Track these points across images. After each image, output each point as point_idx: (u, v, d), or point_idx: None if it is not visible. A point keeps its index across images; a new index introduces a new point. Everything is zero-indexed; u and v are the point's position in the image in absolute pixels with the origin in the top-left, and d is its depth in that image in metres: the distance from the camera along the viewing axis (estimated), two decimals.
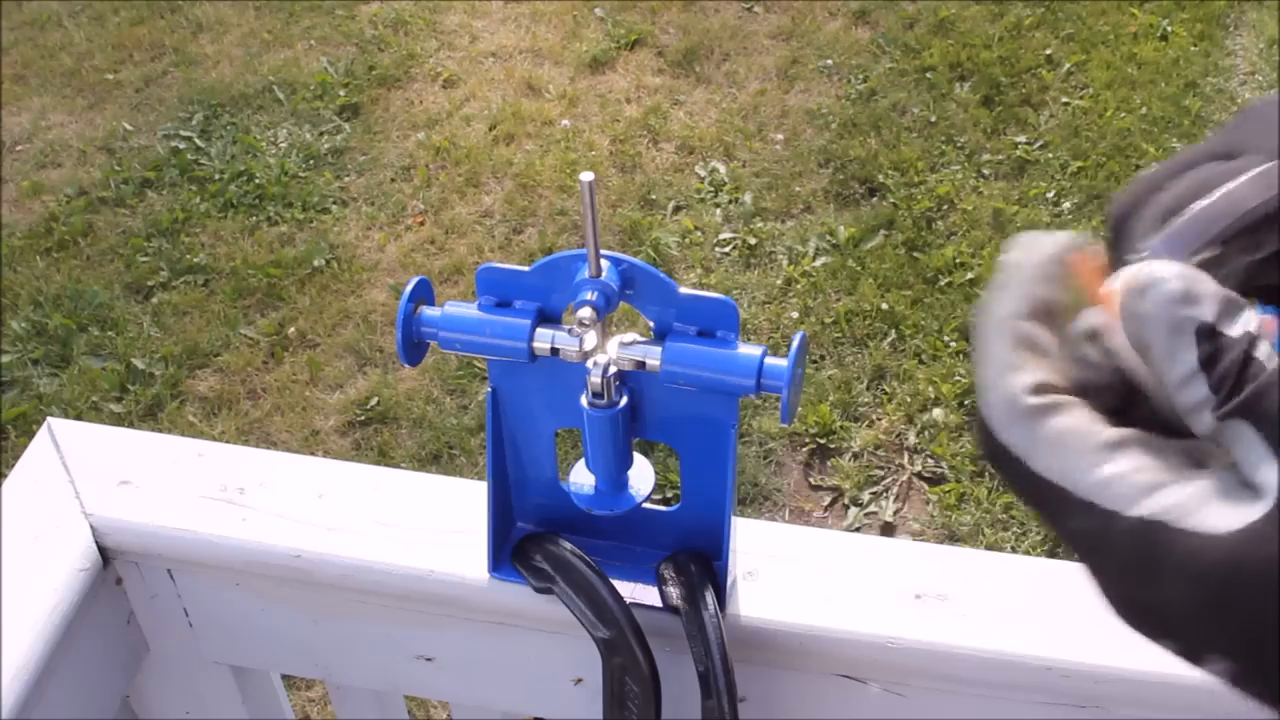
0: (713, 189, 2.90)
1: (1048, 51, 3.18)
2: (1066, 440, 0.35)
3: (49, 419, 0.80)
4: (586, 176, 0.55)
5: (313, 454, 2.37)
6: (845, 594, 0.68)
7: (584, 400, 0.63)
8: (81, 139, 3.18)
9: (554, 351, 0.62)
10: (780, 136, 3.04)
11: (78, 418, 2.44)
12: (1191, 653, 0.35)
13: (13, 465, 0.78)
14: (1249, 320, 0.35)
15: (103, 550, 0.75)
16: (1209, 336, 0.34)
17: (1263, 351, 0.34)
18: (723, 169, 2.94)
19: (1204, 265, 0.38)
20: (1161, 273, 0.35)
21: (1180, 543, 0.33)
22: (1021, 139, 2.95)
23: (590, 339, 0.60)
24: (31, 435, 0.80)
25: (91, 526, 0.74)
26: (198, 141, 3.13)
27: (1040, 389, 0.36)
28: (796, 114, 3.08)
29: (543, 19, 3.44)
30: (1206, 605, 0.33)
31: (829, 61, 3.23)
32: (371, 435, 2.42)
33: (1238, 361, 0.34)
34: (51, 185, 3.05)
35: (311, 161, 3.06)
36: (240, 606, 0.77)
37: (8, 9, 3.62)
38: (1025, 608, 0.67)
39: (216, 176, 3.02)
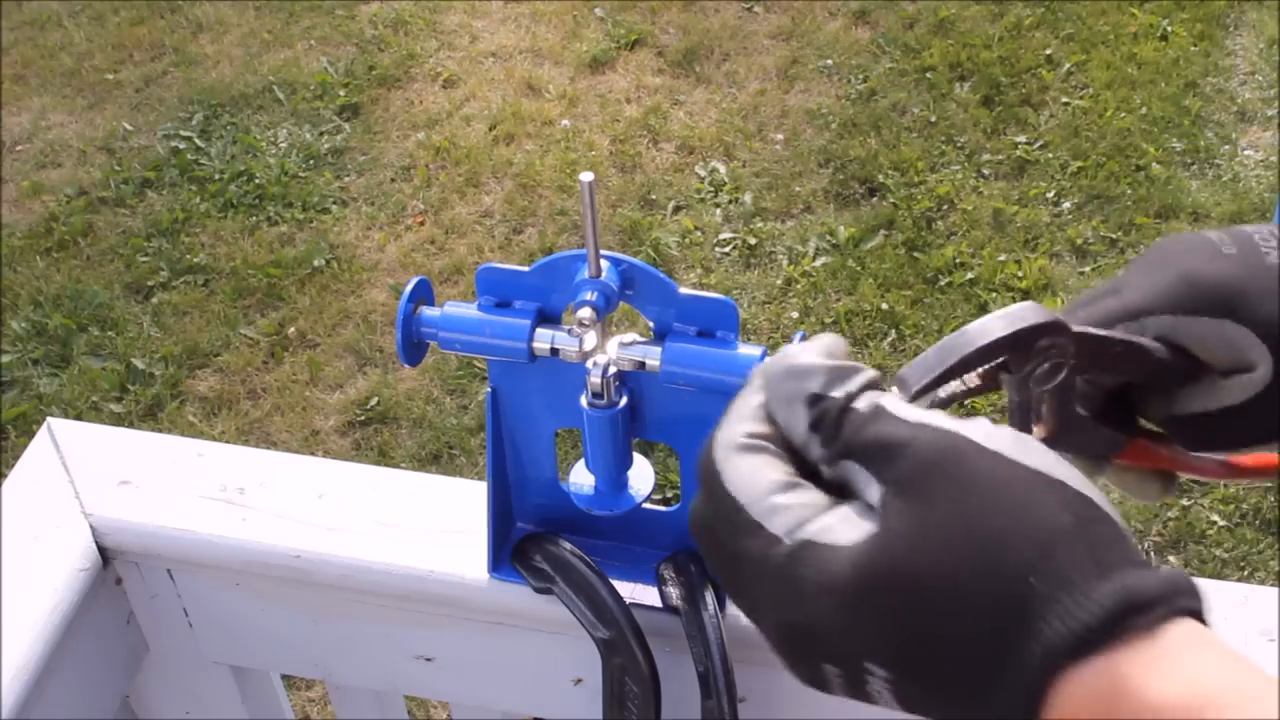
0: (713, 189, 2.90)
1: (1048, 51, 3.18)
2: (756, 470, 0.43)
3: (49, 419, 0.80)
4: (586, 177, 0.55)
5: (313, 454, 2.37)
6: None
7: (584, 400, 0.63)
8: (81, 139, 3.18)
9: (554, 352, 0.62)
10: (780, 136, 3.04)
11: (78, 418, 2.44)
12: (852, 673, 0.40)
13: (13, 465, 0.78)
14: (857, 381, 0.43)
15: (102, 550, 0.75)
16: (815, 401, 0.43)
17: (863, 403, 0.43)
18: (723, 169, 2.95)
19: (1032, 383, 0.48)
20: (778, 359, 0.45)
21: (817, 557, 0.40)
22: (1021, 139, 2.95)
23: (590, 339, 0.60)
24: (31, 435, 0.80)
25: (91, 526, 0.74)
26: (198, 141, 3.13)
27: (759, 436, 0.44)
28: (796, 114, 3.09)
29: (543, 19, 3.45)
30: (844, 610, 0.39)
31: (829, 61, 3.23)
32: (371, 435, 2.42)
33: (835, 418, 0.43)
34: (51, 185, 3.05)
35: (311, 161, 3.06)
36: (240, 606, 0.77)
37: (8, 9, 3.62)
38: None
39: (216, 176, 3.02)
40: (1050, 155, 2.91)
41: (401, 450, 2.38)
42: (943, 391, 0.47)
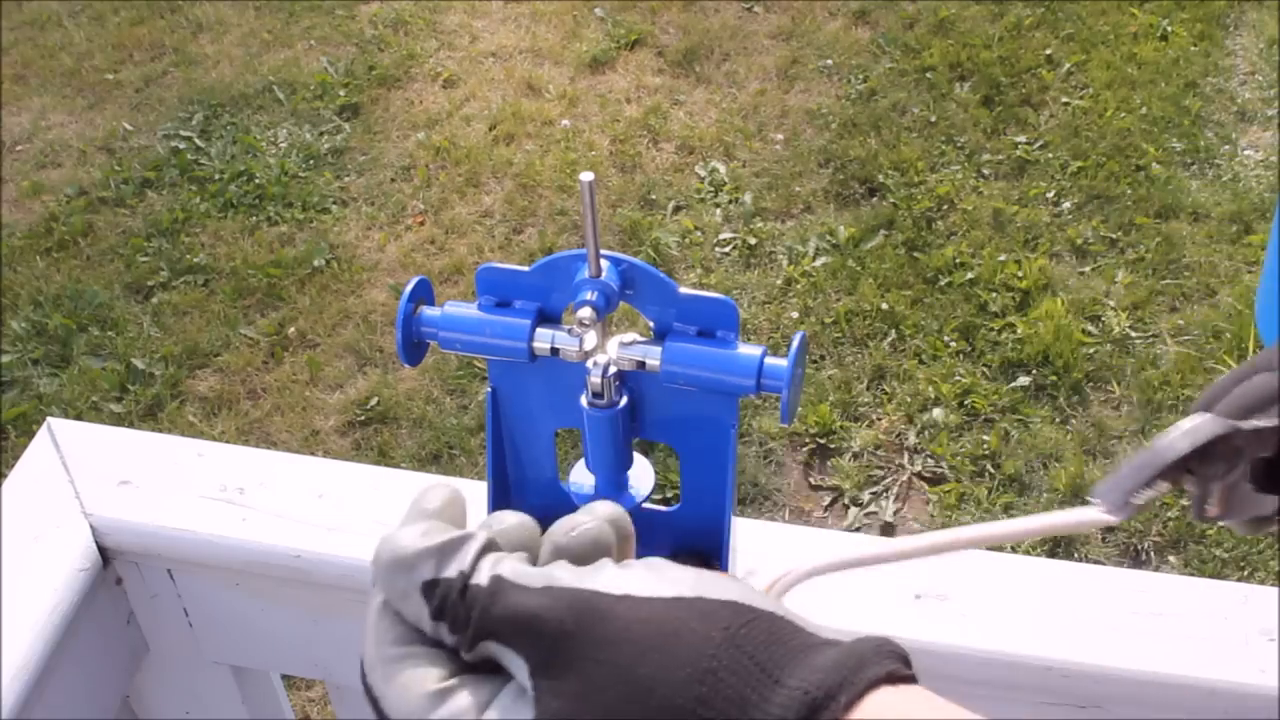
0: (713, 189, 2.90)
1: (1048, 51, 3.18)
2: (407, 686, 0.40)
3: (49, 419, 0.80)
4: (586, 176, 0.55)
5: (313, 454, 2.37)
6: (845, 594, 0.68)
7: (584, 400, 0.63)
8: (81, 139, 3.19)
9: (554, 351, 0.62)
10: (780, 136, 3.04)
11: (78, 418, 2.44)
12: None
13: (13, 465, 0.78)
14: (469, 555, 0.41)
15: (103, 550, 0.75)
16: (431, 589, 0.40)
17: (482, 576, 0.40)
18: (723, 169, 2.95)
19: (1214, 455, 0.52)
20: (383, 548, 0.42)
21: None
22: (1021, 139, 2.95)
23: (590, 339, 0.60)
24: (31, 435, 0.80)
25: (91, 526, 0.74)
26: (198, 141, 3.13)
27: (395, 642, 0.41)
28: (796, 114, 3.09)
29: (543, 19, 3.45)
30: None
31: (829, 61, 3.23)
32: (371, 435, 2.42)
33: (455, 602, 0.40)
34: (51, 185, 3.05)
35: (311, 161, 3.06)
36: (240, 606, 0.77)
37: (8, 9, 3.62)
38: (1025, 608, 0.67)
39: (216, 176, 3.02)
40: (1050, 155, 2.91)
41: (401, 450, 2.38)
42: (1137, 498, 0.51)
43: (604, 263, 0.59)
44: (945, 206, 2.80)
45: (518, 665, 0.39)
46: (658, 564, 0.40)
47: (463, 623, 0.40)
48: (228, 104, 3.25)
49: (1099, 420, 2.33)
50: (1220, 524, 0.56)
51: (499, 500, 0.70)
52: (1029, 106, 3.04)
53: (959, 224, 2.75)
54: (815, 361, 2.48)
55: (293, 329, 2.65)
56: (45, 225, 2.93)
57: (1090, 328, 2.50)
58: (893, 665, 0.38)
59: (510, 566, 0.41)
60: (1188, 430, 0.51)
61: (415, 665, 0.41)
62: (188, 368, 2.59)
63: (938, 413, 2.36)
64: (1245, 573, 2.09)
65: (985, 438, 2.32)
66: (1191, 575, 0.67)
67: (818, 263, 2.68)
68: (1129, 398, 2.37)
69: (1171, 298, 2.56)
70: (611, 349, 0.62)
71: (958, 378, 2.42)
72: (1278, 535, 0.56)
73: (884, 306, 2.57)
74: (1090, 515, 0.52)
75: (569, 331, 0.61)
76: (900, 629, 0.66)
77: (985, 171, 2.89)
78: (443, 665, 0.41)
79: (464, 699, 0.40)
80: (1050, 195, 2.81)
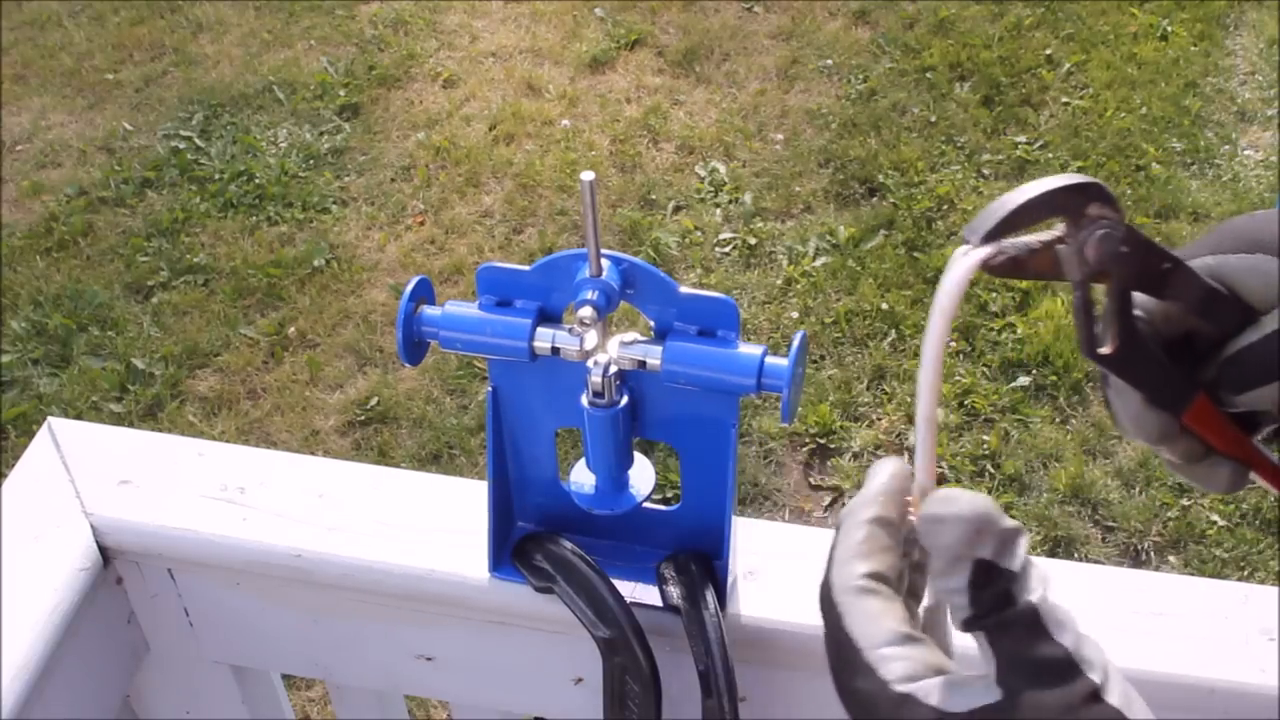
0: (713, 189, 2.90)
1: (1048, 51, 3.18)
2: (875, 618, 0.45)
3: (49, 419, 0.80)
4: (587, 176, 0.55)
5: (313, 454, 2.37)
6: None
7: (584, 400, 0.63)
8: (81, 139, 3.18)
9: (554, 351, 0.62)
10: (780, 136, 3.04)
11: (78, 418, 2.44)
12: None
13: (13, 465, 0.78)
14: (1022, 553, 0.45)
15: (103, 550, 0.75)
16: (987, 570, 0.44)
17: (1034, 592, 0.44)
18: (723, 169, 2.95)
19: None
20: (954, 509, 0.45)
21: (924, 713, 0.42)
22: (1021, 139, 2.95)
23: (591, 338, 0.60)
24: (31, 435, 0.80)
25: (92, 526, 0.74)
26: (198, 141, 3.13)
27: (873, 576, 0.46)
28: (796, 114, 3.09)
29: (543, 19, 3.45)
30: None
31: (829, 61, 3.23)
32: (371, 435, 2.42)
33: (1001, 594, 0.43)
34: (51, 185, 3.05)
35: (311, 161, 3.06)
36: (240, 606, 0.77)
37: (8, 9, 3.62)
38: None
39: (216, 176, 3.02)
40: (1050, 155, 2.91)
41: (401, 450, 2.38)
42: (1008, 249, 0.49)
43: (604, 262, 0.59)
44: (945, 206, 2.80)
45: (990, 666, 0.43)
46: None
47: (989, 615, 0.43)
48: (228, 104, 3.25)
49: (1099, 420, 2.33)
50: (1145, 440, 0.52)
51: (499, 500, 0.70)
52: (1029, 106, 3.04)
53: (959, 224, 2.75)
54: (815, 361, 2.48)
55: (293, 329, 2.65)
56: (45, 225, 2.93)
57: None
58: None
59: (1048, 599, 0.44)
60: (1052, 177, 0.48)
61: (885, 601, 0.45)
62: (188, 368, 2.58)
63: (938, 412, 2.36)
64: (1245, 573, 2.09)
65: (985, 438, 2.32)
66: (1191, 575, 0.67)
67: (818, 263, 2.68)
68: None
69: None
70: (612, 348, 0.62)
71: (958, 378, 2.42)
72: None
73: (884, 306, 2.57)
74: (962, 258, 0.50)
75: (570, 331, 0.61)
76: None
77: (985, 171, 2.89)
78: (907, 613, 0.45)
79: (923, 651, 0.44)
80: None
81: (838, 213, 2.81)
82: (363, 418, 2.45)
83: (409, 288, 0.62)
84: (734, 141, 3.02)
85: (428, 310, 0.64)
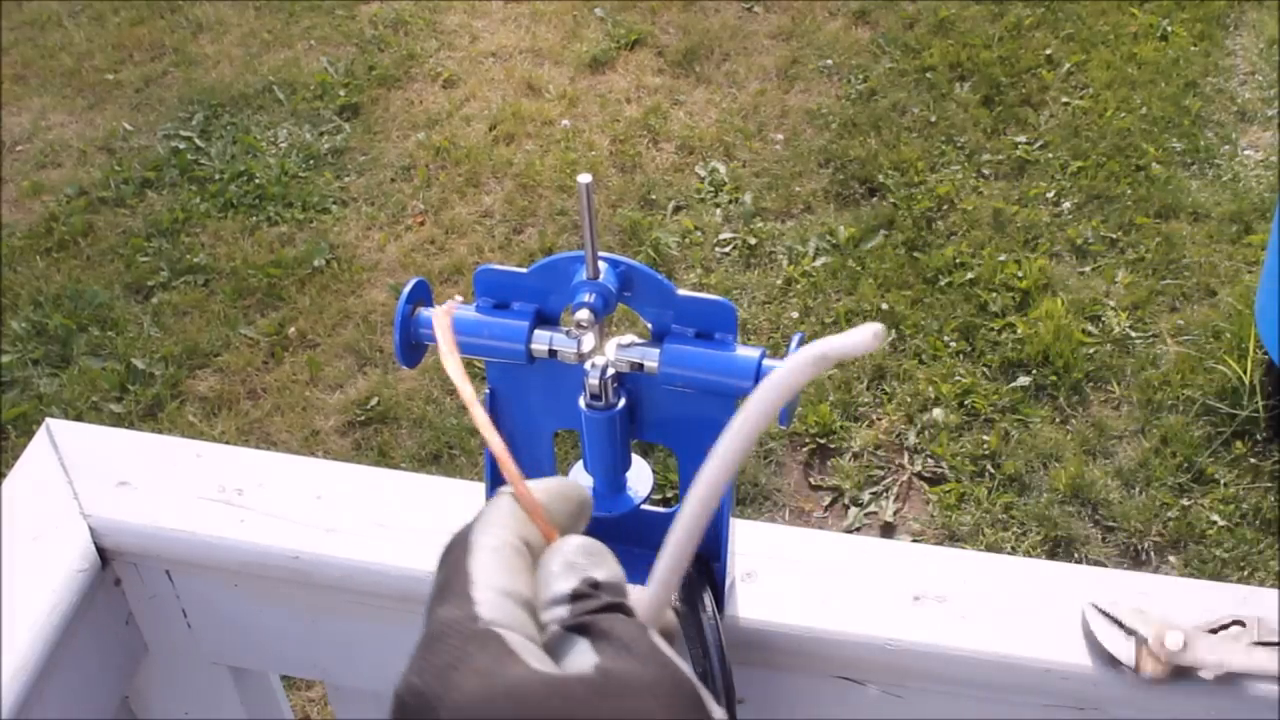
0: (713, 189, 2.90)
1: (1048, 51, 3.18)
2: (505, 570, 0.42)
3: (48, 420, 0.80)
4: (584, 179, 0.55)
5: (313, 454, 2.37)
6: (844, 595, 0.68)
7: (582, 402, 0.63)
8: (81, 139, 3.19)
9: (552, 353, 0.62)
10: (780, 136, 3.04)
11: (78, 418, 2.44)
12: None
13: (12, 465, 0.78)
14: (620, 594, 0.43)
15: (101, 551, 0.75)
16: (595, 585, 0.42)
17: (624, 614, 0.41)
18: (723, 169, 2.94)
19: None
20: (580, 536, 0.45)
21: (497, 653, 0.38)
22: (1021, 139, 2.95)
23: (588, 341, 0.60)
24: (31, 435, 0.80)
25: (90, 527, 0.74)
26: (198, 141, 3.13)
27: (520, 547, 0.44)
28: (796, 114, 3.08)
29: (543, 19, 3.45)
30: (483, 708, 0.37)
31: (829, 61, 3.23)
32: (371, 435, 2.42)
33: (603, 607, 0.41)
34: (51, 185, 3.05)
35: (311, 161, 3.06)
36: (239, 607, 0.77)
37: (8, 9, 3.62)
38: (1025, 609, 0.67)
39: (216, 176, 3.03)
40: (1050, 155, 2.91)
41: (401, 450, 2.38)
42: None
43: (602, 264, 0.59)
44: (945, 206, 2.80)
45: (585, 656, 0.40)
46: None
47: (586, 613, 0.41)
48: (228, 104, 3.25)
49: (1099, 420, 2.33)
50: None
51: None
52: (1029, 106, 3.04)
53: (959, 224, 2.75)
54: None
55: (293, 329, 2.65)
56: (45, 225, 2.93)
57: (1090, 328, 2.50)
58: None
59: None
60: None
61: (525, 566, 0.43)
62: (188, 368, 2.59)
63: (938, 413, 2.36)
64: (1245, 573, 2.09)
65: (985, 438, 2.32)
66: (1192, 575, 0.67)
67: (818, 263, 2.68)
68: (1129, 398, 2.37)
69: (1171, 298, 2.56)
70: (610, 351, 0.62)
71: (958, 378, 2.42)
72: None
73: (884, 306, 2.57)
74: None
75: (567, 333, 0.61)
76: (899, 630, 0.66)
77: (985, 171, 2.89)
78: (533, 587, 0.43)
79: (535, 628, 0.41)
80: (1050, 195, 2.81)
81: (838, 213, 2.81)
82: (363, 418, 2.45)
83: (406, 289, 0.62)
84: (734, 141, 3.02)
85: (425, 312, 0.64)
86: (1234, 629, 0.64)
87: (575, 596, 0.41)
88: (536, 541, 0.45)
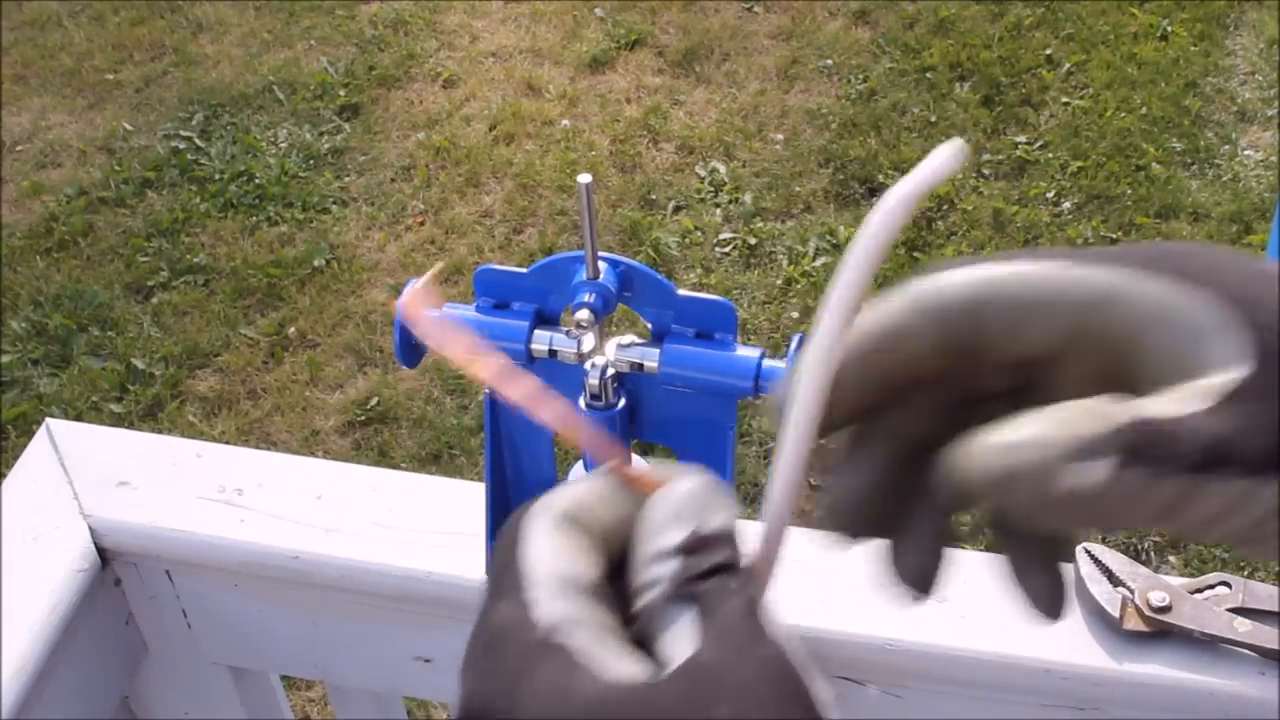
0: (713, 189, 2.90)
1: (1048, 51, 3.18)
2: (562, 550, 0.37)
3: (47, 420, 0.80)
4: (584, 179, 0.55)
5: (313, 454, 2.37)
6: (844, 595, 0.68)
7: (582, 402, 0.63)
8: (81, 139, 3.18)
9: (552, 353, 0.62)
10: (780, 136, 3.04)
11: (78, 418, 2.44)
12: None
13: (12, 465, 0.78)
14: (743, 551, 0.37)
15: (101, 551, 0.75)
16: (700, 540, 0.36)
17: (737, 575, 0.36)
18: (723, 169, 2.95)
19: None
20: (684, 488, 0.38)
21: (560, 665, 0.34)
22: (1021, 139, 2.95)
23: (588, 341, 0.60)
24: (31, 435, 0.80)
25: (90, 527, 0.74)
26: (198, 141, 3.13)
27: (578, 520, 0.38)
28: (796, 114, 3.08)
29: (543, 19, 3.44)
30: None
31: (829, 61, 3.23)
32: (371, 435, 2.42)
33: (714, 567, 0.36)
34: (51, 185, 3.05)
35: (311, 161, 3.06)
36: (239, 607, 0.77)
37: (8, 9, 3.62)
38: (1025, 609, 0.67)
39: (216, 176, 3.02)
40: (1050, 155, 2.91)
41: (401, 450, 2.38)
42: None
43: (602, 264, 0.59)
44: (945, 206, 2.80)
45: (684, 638, 0.35)
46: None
47: (695, 580, 0.36)
48: (228, 104, 3.25)
49: None
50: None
51: (498, 502, 0.70)
52: (1029, 106, 3.04)
53: (959, 224, 2.75)
54: None
55: (293, 329, 2.65)
56: (45, 225, 2.93)
57: None
58: None
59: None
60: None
61: (586, 546, 0.38)
62: (188, 368, 2.59)
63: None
64: (1245, 573, 2.09)
65: None
66: (1192, 575, 0.67)
67: (818, 263, 2.68)
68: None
69: None
70: (609, 351, 0.62)
71: None
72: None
73: None
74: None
75: (567, 333, 0.61)
76: (900, 630, 0.66)
77: (985, 171, 2.89)
78: (601, 569, 0.38)
79: (602, 613, 0.36)
80: (1050, 195, 2.81)
81: (838, 213, 2.81)
82: (363, 418, 2.45)
83: (406, 290, 0.62)
84: (734, 141, 3.02)
85: (425, 312, 0.64)
86: (1220, 589, 0.65)
87: (681, 553, 0.36)
88: (621, 511, 0.39)
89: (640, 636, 0.36)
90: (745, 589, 0.36)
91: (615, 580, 0.38)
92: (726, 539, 0.37)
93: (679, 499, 0.37)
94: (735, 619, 0.35)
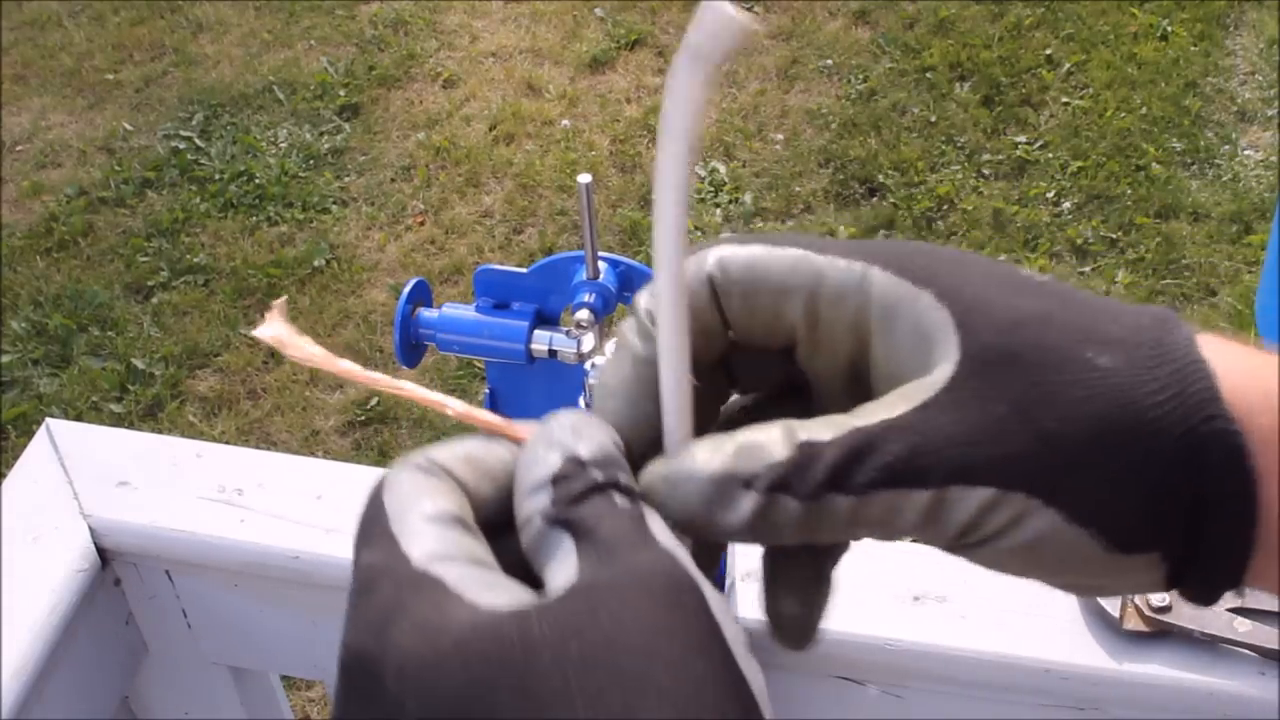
0: (713, 189, 2.90)
1: (1048, 51, 3.18)
2: (420, 492, 0.35)
3: (47, 420, 0.80)
4: (584, 179, 0.55)
5: (313, 454, 2.37)
6: (844, 595, 0.68)
7: (582, 402, 0.63)
8: (81, 139, 3.18)
9: (552, 353, 0.62)
10: (780, 136, 3.04)
11: (78, 418, 2.44)
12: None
13: (12, 465, 0.78)
14: (628, 479, 0.35)
15: (101, 551, 0.75)
16: (574, 464, 0.35)
17: (618, 494, 0.34)
18: (723, 169, 2.94)
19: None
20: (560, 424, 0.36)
21: (437, 599, 0.32)
22: (1021, 139, 2.95)
23: (588, 341, 0.60)
24: (31, 435, 0.80)
25: (90, 527, 0.74)
26: (198, 141, 3.13)
27: (439, 468, 0.36)
28: (796, 114, 3.08)
29: (543, 19, 3.44)
30: (432, 669, 0.32)
31: (829, 61, 3.23)
32: (371, 435, 2.42)
33: (590, 487, 0.34)
34: (51, 185, 3.05)
35: (311, 161, 3.06)
36: (239, 607, 0.77)
37: (8, 9, 3.62)
38: (1024, 609, 0.67)
39: (216, 176, 3.02)
40: (1050, 155, 2.91)
41: (401, 450, 2.38)
42: None
43: (602, 264, 0.59)
44: (945, 206, 2.80)
45: (568, 564, 0.34)
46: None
47: (571, 503, 0.35)
48: (228, 104, 3.25)
49: None
50: None
51: None
52: (1029, 106, 3.04)
53: (959, 224, 2.75)
54: None
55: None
56: (45, 225, 2.93)
57: None
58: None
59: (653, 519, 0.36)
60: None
61: (444, 486, 0.36)
62: (188, 368, 2.59)
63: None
64: None
65: None
66: None
67: None
68: None
69: (1171, 298, 2.56)
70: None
71: None
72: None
73: None
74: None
75: (567, 333, 0.61)
76: (899, 630, 0.66)
77: (985, 171, 2.89)
78: (466, 506, 0.36)
79: (472, 543, 0.35)
80: (1050, 195, 2.81)
81: (838, 213, 2.81)
82: (363, 418, 2.45)
83: (406, 290, 0.62)
84: (734, 141, 3.02)
85: (425, 312, 0.64)
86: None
87: (556, 480, 0.35)
88: (501, 461, 0.37)
89: (531, 574, 0.34)
90: (628, 507, 0.34)
91: (510, 531, 0.36)
92: (603, 460, 0.35)
93: (550, 431, 0.36)
94: (616, 537, 0.33)
